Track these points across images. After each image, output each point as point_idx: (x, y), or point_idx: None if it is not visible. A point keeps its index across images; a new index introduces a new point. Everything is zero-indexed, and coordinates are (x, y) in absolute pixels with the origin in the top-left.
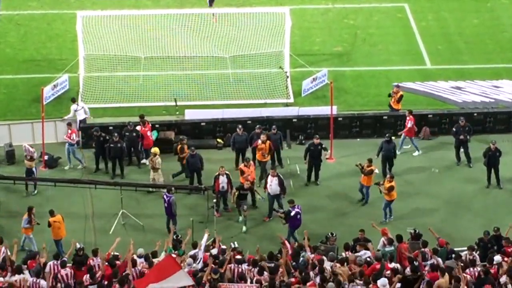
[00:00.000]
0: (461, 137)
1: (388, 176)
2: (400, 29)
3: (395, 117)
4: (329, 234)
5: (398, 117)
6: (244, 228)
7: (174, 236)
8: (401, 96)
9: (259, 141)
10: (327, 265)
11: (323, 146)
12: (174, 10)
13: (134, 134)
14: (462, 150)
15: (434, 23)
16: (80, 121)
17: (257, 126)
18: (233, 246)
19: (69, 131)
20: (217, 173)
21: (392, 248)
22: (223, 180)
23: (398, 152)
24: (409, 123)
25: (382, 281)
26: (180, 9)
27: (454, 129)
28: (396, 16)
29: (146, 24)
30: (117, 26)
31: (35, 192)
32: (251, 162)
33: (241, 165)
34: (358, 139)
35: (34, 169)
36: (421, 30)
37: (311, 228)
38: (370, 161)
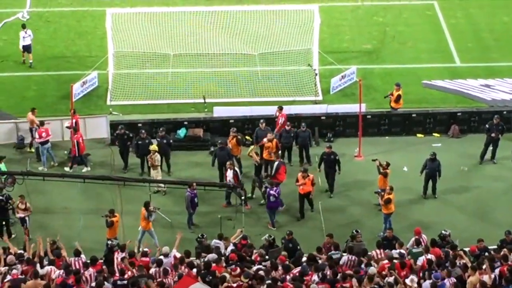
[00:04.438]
0: (493, 134)
1: (388, 187)
2: (429, 27)
3: (424, 115)
4: (354, 231)
5: (427, 115)
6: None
7: (200, 235)
8: (399, 95)
9: (265, 140)
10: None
11: (337, 158)
12: (203, 7)
13: (147, 141)
14: (490, 148)
15: (464, 20)
16: (24, 46)
17: (287, 123)
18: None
19: (39, 130)
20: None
21: (420, 249)
22: (229, 174)
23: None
24: (281, 120)
25: (411, 278)
26: (209, 6)
27: (487, 126)
28: (425, 14)
29: (175, 21)
30: (146, 23)
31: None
32: (310, 175)
33: (299, 174)
34: (387, 137)
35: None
36: (450, 27)
37: (336, 226)
38: (388, 164)
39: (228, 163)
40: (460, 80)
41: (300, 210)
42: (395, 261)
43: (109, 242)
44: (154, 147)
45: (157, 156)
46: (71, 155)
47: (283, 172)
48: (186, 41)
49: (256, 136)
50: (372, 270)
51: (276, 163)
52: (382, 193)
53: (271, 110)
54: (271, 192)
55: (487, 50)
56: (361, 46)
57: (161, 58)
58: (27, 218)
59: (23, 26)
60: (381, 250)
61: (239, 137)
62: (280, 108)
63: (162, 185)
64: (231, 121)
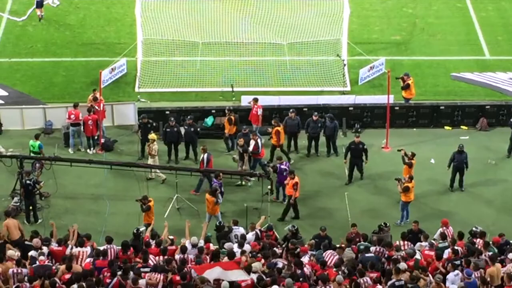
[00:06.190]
0: None
1: (407, 177)
2: (459, 19)
3: (452, 107)
4: (383, 224)
5: (455, 108)
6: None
7: (217, 223)
8: (407, 84)
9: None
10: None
11: (365, 147)
12: None
13: (175, 129)
14: None
15: (494, 13)
16: (37, 1)
17: (314, 113)
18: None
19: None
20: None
21: (446, 243)
22: (202, 158)
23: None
24: (259, 111)
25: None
26: None
27: (511, 120)
28: (455, 6)
29: (204, 9)
30: (175, 10)
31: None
32: (294, 179)
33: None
34: (415, 129)
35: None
36: (480, 20)
37: (362, 217)
38: (413, 155)
39: (201, 147)
40: (489, 73)
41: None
42: (427, 251)
43: (135, 230)
44: (153, 136)
45: (155, 146)
46: (99, 141)
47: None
48: (215, 30)
49: (285, 125)
50: (403, 265)
51: (258, 140)
52: (403, 181)
53: (300, 100)
54: (282, 167)
55: None
56: (390, 37)
57: (189, 46)
58: None
59: None
60: (406, 242)
61: (231, 116)
62: (255, 100)
63: (158, 172)
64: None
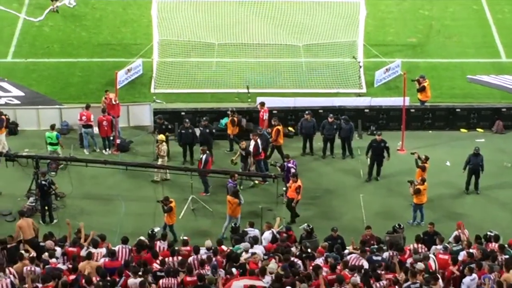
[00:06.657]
0: None
1: (420, 179)
2: (475, 21)
3: (468, 110)
4: (397, 225)
5: (471, 110)
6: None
7: (233, 224)
8: (423, 86)
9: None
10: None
11: (386, 145)
12: None
13: (190, 130)
14: None
15: (511, 15)
16: None
17: (330, 115)
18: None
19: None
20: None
21: (460, 247)
22: (201, 159)
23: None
24: (265, 115)
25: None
26: None
27: None
28: (472, 8)
29: (221, 10)
30: (191, 12)
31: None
32: (297, 183)
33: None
34: (430, 131)
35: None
36: (497, 22)
37: (376, 219)
38: (426, 158)
39: (201, 148)
40: (505, 76)
41: (291, 215)
42: (441, 255)
43: (150, 231)
44: (161, 137)
45: (164, 146)
46: (114, 142)
47: None
48: (231, 31)
49: (301, 127)
50: (420, 265)
51: (258, 140)
52: (415, 183)
53: (315, 102)
54: (289, 165)
55: None
56: (406, 39)
57: (205, 47)
58: None
59: None
60: (419, 245)
61: (234, 118)
62: (262, 104)
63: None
64: (274, 111)
